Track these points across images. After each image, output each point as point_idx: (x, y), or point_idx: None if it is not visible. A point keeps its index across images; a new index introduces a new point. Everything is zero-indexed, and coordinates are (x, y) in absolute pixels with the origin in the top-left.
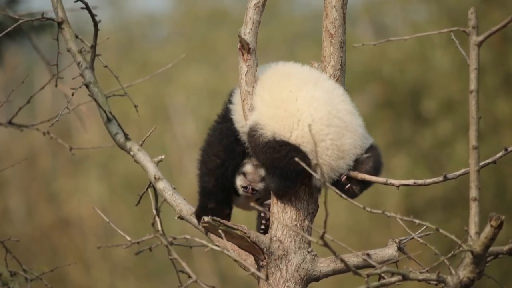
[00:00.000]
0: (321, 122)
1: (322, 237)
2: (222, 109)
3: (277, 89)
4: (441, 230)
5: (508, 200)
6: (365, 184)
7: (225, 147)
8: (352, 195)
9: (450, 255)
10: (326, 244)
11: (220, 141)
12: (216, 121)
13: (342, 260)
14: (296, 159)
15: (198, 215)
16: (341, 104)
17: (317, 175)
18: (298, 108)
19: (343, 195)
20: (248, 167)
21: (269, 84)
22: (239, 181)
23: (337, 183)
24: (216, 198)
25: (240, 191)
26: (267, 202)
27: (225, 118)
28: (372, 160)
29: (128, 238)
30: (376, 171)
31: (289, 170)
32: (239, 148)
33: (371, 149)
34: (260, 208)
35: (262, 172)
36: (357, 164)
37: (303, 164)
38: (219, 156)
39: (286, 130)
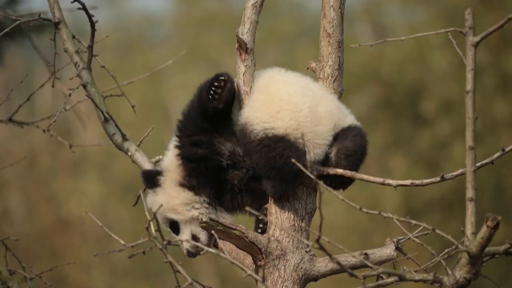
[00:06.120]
0: (297, 94)
1: (317, 241)
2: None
3: (260, 79)
4: (437, 231)
5: (505, 201)
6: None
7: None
8: (338, 188)
9: (445, 254)
10: (322, 247)
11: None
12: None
13: (338, 263)
14: (293, 160)
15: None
16: (311, 84)
17: (314, 177)
18: (277, 88)
19: (333, 191)
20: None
21: (256, 82)
22: (186, 243)
23: (326, 176)
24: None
25: (184, 245)
26: (266, 206)
27: None
28: (343, 150)
29: (122, 242)
30: (351, 162)
31: (286, 170)
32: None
33: (349, 131)
34: (257, 213)
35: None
36: (336, 158)
37: (300, 166)
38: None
39: (272, 116)
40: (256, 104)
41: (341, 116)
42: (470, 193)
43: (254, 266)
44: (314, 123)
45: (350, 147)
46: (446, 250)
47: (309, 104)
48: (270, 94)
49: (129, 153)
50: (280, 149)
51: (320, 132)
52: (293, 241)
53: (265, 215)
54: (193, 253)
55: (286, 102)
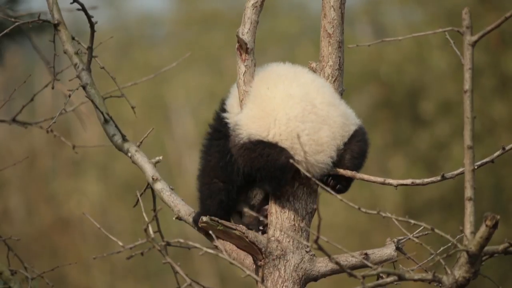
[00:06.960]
0: (296, 119)
1: (316, 241)
2: (215, 120)
3: (257, 87)
4: (436, 230)
5: (504, 201)
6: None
7: (225, 168)
8: (339, 191)
9: (445, 255)
10: (320, 248)
11: (218, 161)
12: (210, 134)
13: (337, 263)
14: (292, 159)
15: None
16: (318, 97)
17: (302, 169)
18: (274, 107)
19: (332, 192)
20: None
21: (254, 83)
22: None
23: (326, 176)
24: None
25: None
26: (265, 207)
27: (220, 132)
28: (349, 152)
29: (121, 244)
30: (354, 164)
31: (271, 168)
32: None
33: (353, 137)
34: (257, 215)
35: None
36: (339, 158)
37: (296, 162)
38: (220, 178)
39: (262, 130)
40: (249, 113)
41: (345, 133)
42: (469, 192)
43: (255, 266)
44: (311, 153)
45: (356, 149)
46: (447, 252)
47: (308, 131)
48: (265, 111)
49: (129, 154)
50: (260, 149)
51: (319, 162)
52: (293, 241)
53: (266, 216)
54: (253, 228)
55: (284, 124)
